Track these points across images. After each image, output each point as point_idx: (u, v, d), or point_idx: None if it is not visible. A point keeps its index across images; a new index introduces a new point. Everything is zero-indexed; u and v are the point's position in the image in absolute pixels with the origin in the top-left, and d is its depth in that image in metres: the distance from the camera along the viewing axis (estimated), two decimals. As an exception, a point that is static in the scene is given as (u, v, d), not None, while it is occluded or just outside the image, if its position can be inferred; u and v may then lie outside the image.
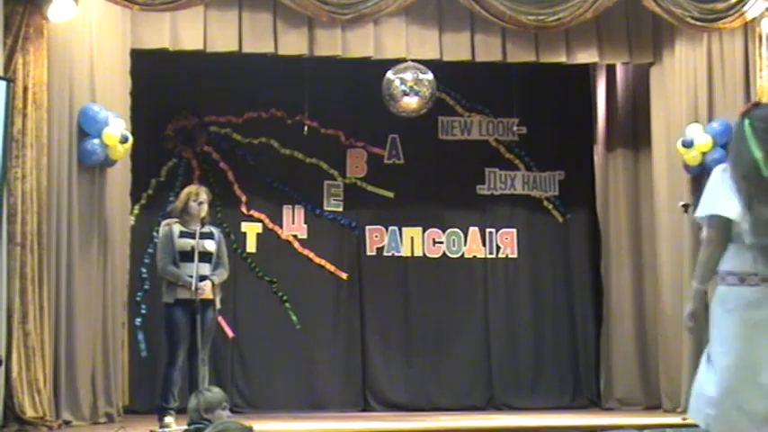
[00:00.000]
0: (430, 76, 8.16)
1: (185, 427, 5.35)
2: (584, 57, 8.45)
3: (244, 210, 9.14)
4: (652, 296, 8.77)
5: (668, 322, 8.35)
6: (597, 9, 7.78)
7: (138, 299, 8.64)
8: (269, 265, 9.14)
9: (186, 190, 7.03)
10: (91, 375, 7.27)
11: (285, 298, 9.13)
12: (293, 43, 7.92)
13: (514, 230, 9.59)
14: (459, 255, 9.49)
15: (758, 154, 3.78)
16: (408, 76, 8.13)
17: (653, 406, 8.64)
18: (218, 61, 8.35)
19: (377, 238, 9.39)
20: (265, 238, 9.17)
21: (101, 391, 7.35)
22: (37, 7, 6.78)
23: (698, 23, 7.85)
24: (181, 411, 6.37)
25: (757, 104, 4.09)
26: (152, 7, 7.31)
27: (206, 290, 6.67)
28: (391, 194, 9.46)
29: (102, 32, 7.51)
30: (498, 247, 9.55)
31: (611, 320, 9.13)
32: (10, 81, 6.46)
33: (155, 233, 8.13)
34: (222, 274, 6.89)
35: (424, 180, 9.48)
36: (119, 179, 7.83)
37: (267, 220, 9.19)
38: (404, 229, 9.42)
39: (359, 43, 8.04)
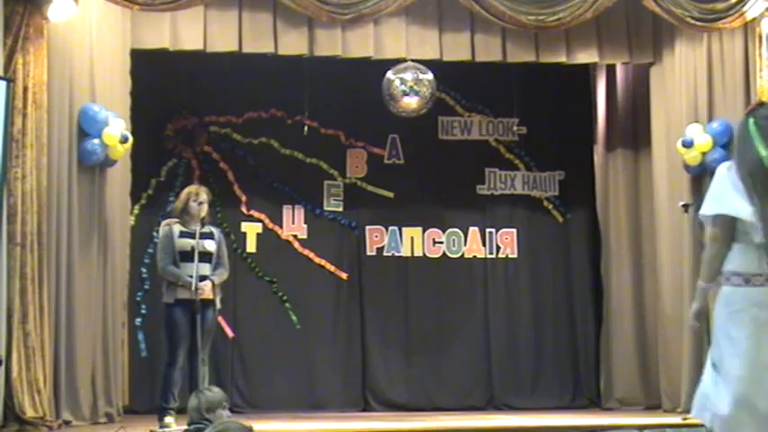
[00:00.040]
0: (430, 76, 8.16)
1: (185, 427, 5.35)
2: (584, 57, 8.45)
3: (244, 210, 9.14)
4: (652, 296, 8.77)
5: (668, 322, 8.36)
6: (597, 9, 7.78)
7: (138, 299, 8.65)
8: (269, 265, 9.14)
9: (186, 190, 7.02)
10: (91, 375, 7.27)
11: (285, 298, 9.13)
12: (293, 43, 7.92)
13: (514, 230, 9.59)
14: (459, 255, 9.49)
15: (764, 152, 3.80)
16: (408, 76, 8.13)
17: (653, 406, 8.64)
18: (218, 61, 8.36)
19: (377, 238, 9.39)
20: (265, 238, 9.17)
21: (101, 391, 7.35)
22: (37, 7, 6.78)
23: (698, 23, 7.85)
24: (181, 411, 6.36)
25: (762, 103, 4.12)
26: (152, 7, 7.30)
27: (206, 290, 6.66)
28: (391, 194, 9.46)
29: (102, 32, 7.51)
30: (498, 247, 9.55)
31: (611, 320, 9.12)
32: (10, 81, 6.45)
33: (155, 233, 8.13)
34: (222, 275, 6.88)
35: (424, 180, 9.49)
36: (119, 179, 7.82)
37: (267, 220, 9.19)
38: (404, 229, 9.42)
39: (359, 43, 8.04)
